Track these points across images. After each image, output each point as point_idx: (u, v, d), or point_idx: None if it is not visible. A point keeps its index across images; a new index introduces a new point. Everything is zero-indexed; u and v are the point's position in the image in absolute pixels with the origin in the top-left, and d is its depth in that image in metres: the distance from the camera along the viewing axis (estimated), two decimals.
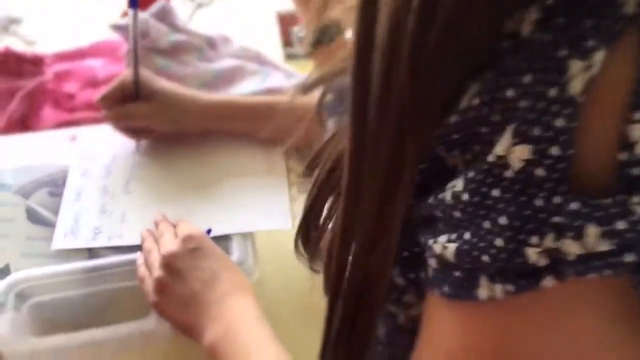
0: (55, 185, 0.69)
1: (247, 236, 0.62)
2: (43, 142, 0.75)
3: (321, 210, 0.38)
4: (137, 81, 0.69)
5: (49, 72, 0.91)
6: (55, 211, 0.67)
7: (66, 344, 0.54)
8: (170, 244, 0.55)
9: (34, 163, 0.71)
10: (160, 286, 0.53)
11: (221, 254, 0.55)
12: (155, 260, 0.55)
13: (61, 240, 0.63)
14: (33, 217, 0.66)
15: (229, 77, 0.88)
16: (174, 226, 0.59)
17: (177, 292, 0.52)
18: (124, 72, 0.71)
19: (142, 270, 0.56)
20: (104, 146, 0.73)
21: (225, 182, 0.67)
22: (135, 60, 0.69)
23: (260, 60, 0.94)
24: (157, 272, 0.53)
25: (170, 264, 0.53)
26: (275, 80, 0.89)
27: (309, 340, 0.62)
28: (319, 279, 0.67)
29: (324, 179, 0.36)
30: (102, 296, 0.59)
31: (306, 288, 0.66)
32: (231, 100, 0.75)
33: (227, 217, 0.64)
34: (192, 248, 0.54)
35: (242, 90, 0.87)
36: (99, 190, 0.68)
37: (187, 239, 0.55)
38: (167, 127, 0.72)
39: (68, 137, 0.74)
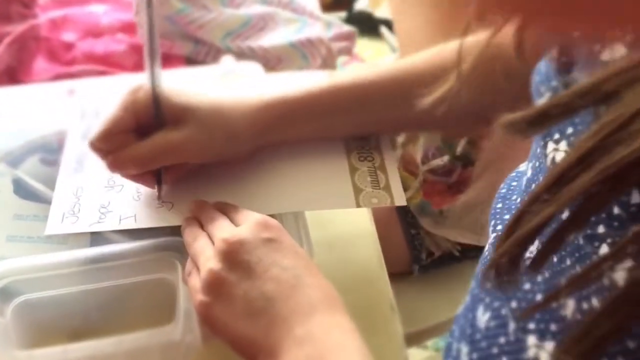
0: (50, 150, 0.57)
1: (299, 217, 0.49)
2: (34, 97, 0.61)
3: (584, 223, 0.26)
4: (158, 100, 0.46)
5: (43, 18, 0.76)
6: (49, 183, 0.54)
7: (63, 357, 0.42)
8: (234, 228, 0.42)
9: (23, 123, 0.59)
10: (216, 281, 0.39)
11: (304, 253, 0.42)
12: (207, 247, 0.41)
13: (58, 222, 0.49)
14: (21, 190, 0.55)
15: (259, 24, 0.74)
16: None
17: (241, 293, 0.38)
18: (130, 92, 0.47)
19: (190, 264, 0.43)
20: (110, 101, 0.58)
21: (273, 154, 0.52)
22: (153, 70, 0.45)
23: (294, 7, 0.79)
24: (213, 261, 0.40)
25: (235, 252, 0.39)
26: (315, 30, 0.75)
27: (367, 335, 0.50)
28: (380, 271, 0.56)
29: (606, 177, 0.23)
30: (110, 295, 0.47)
31: (364, 278, 0.55)
32: (292, 94, 0.50)
33: (283, 195, 0.50)
34: (267, 238, 0.41)
35: (275, 41, 0.73)
36: None
37: (262, 225, 0.41)
38: (212, 155, 0.49)
39: (65, 91, 0.60)
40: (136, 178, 0.49)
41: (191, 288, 0.41)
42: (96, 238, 0.50)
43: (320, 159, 0.52)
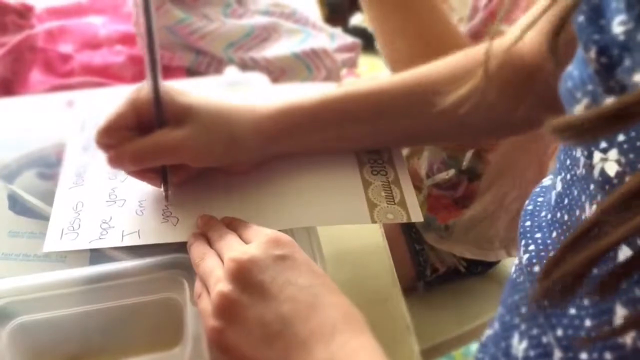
0: (48, 164, 0.54)
1: (311, 233, 0.47)
2: (31, 109, 0.59)
3: None
4: (158, 97, 0.44)
5: (40, 29, 0.74)
6: (47, 198, 0.51)
7: None
8: (244, 246, 0.39)
9: (20, 135, 0.56)
10: (228, 304, 0.36)
11: (320, 271, 0.39)
12: (217, 267, 0.39)
13: (57, 239, 0.47)
14: (17, 206, 0.52)
15: (262, 35, 0.72)
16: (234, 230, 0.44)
17: (256, 315, 0.36)
18: (134, 90, 0.46)
19: (199, 285, 0.41)
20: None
21: (283, 167, 0.50)
22: (153, 68, 0.42)
23: (296, 18, 0.78)
24: (223, 283, 0.37)
25: (246, 272, 0.37)
26: (319, 41, 0.73)
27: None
28: (394, 288, 0.53)
29: None
30: (112, 317, 0.44)
31: (377, 296, 0.52)
32: (301, 102, 0.48)
33: (295, 210, 0.48)
34: (280, 255, 0.38)
35: (279, 52, 0.71)
36: (107, 170, 0.51)
37: (273, 241, 0.39)
38: (214, 160, 0.47)
39: (63, 102, 0.58)
40: (140, 176, 0.47)
41: (202, 312, 0.38)
42: (96, 255, 0.47)
43: (332, 172, 0.50)
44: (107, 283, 0.43)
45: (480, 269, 0.93)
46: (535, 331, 0.34)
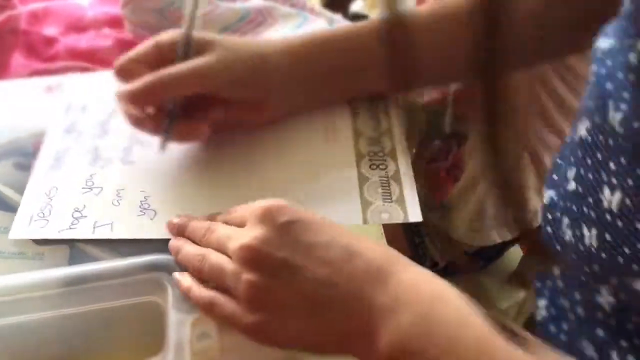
0: (25, 154, 0.51)
1: None
2: (7, 94, 0.55)
3: None
4: (190, 33, 0.45)
5: (22, 10, 0.71)
6: (24, 191, 0.48)
7: None
8: (244, 229, 0.36)
9: None
10: (262, 294, 0.33)
11: (329, 220, 0.36)
12: (225, 263, 0.35)
13: (24, 226, 0.43)
14: None
15: (257, 19, 0.69)
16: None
17: (296, 294, 0.33)
18: (156, 37, 0.47)
19: (208, 294, 0.37)
20: (100, 95, 0.52)
21: (278, 157, 0.46)
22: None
23: (293, 2, 0.74)
24: (246, 274, 0.34)
25: (264, 256, 0.34)
26: (317, 25, 0.70)
27: None
28: None
29: None
30: (89, 321, 0.40)
31: None
32: (332, 33, 0.50)
33: None
34: (286, 221, 0.35)
35: (274, 36, 0.67)
36: (88, 155, 0.48)
37: (269, 211, 0.35)
38: (239, 81, 0.45)
39: (42, 87, 0.54)
40: (140, 123, 0.45)
41: (230, 317, 0.35)
42: (76, 254, 0.44)
43: (327, 167, 0.47)
44: (84, 285, 0.40)
45: (482, 264, 0.90)
46: (630, 182, 0.31)
